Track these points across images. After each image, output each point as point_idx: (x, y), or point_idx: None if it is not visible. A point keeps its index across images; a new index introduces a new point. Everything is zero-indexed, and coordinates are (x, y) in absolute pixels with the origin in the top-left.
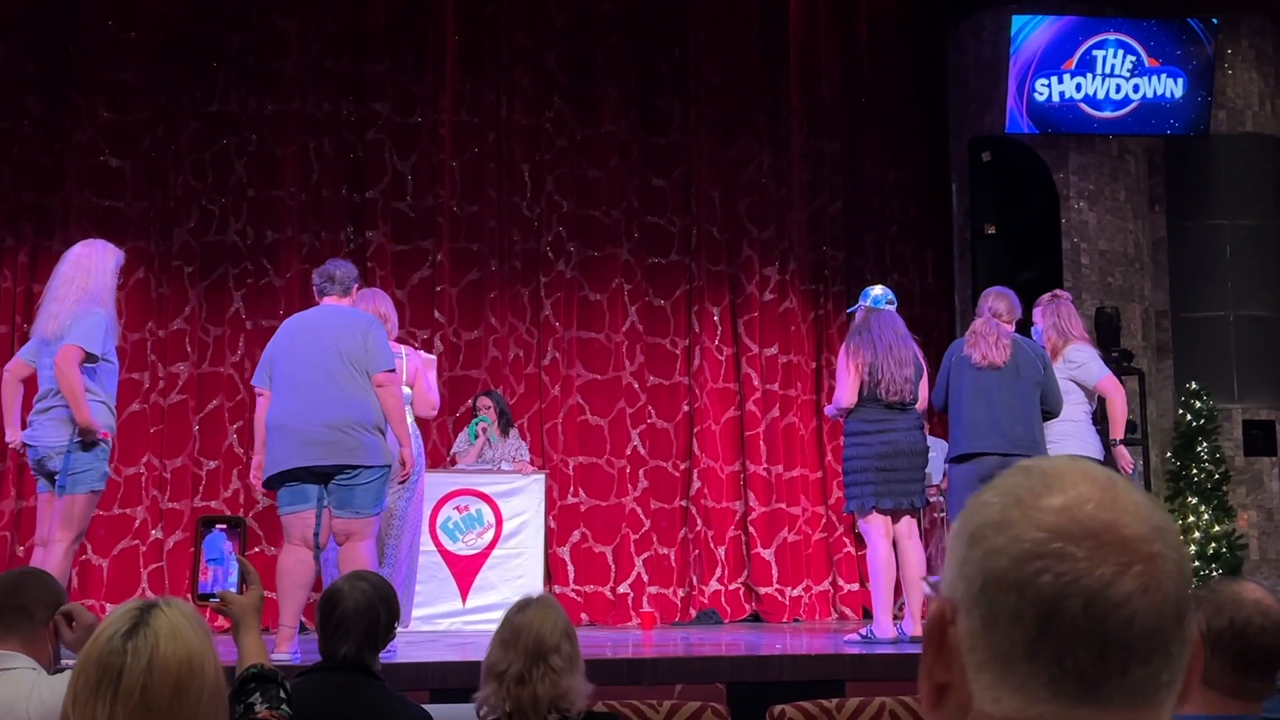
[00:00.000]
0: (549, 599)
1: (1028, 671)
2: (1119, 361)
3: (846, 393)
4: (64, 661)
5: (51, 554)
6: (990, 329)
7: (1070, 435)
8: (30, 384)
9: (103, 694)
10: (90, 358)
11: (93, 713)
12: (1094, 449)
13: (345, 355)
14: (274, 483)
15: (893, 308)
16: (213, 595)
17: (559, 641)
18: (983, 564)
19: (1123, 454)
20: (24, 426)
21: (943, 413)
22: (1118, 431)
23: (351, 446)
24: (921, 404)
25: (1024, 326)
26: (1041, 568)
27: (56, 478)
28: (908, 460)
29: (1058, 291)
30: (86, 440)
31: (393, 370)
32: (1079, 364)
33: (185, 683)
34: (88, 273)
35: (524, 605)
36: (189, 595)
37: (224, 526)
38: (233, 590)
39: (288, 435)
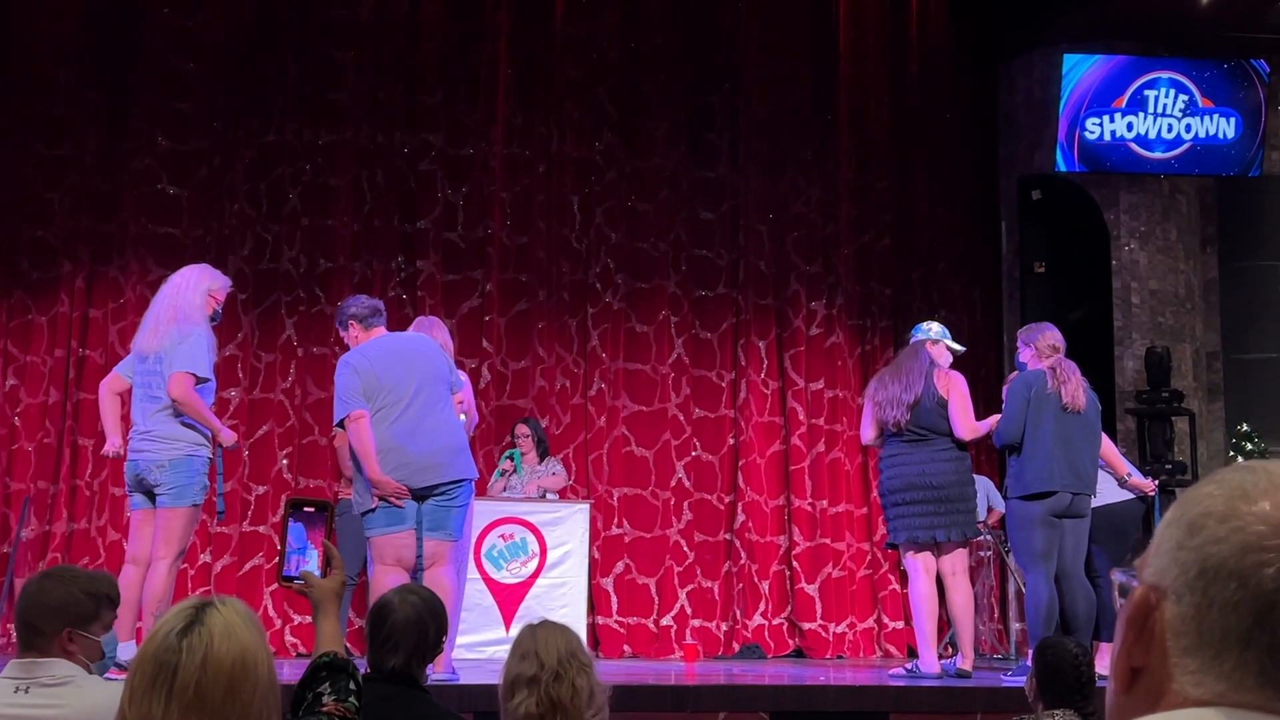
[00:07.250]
0: (551, 621)
1: (1239, 660)
2: (1169, 402)
3: (863, 429)
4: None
5: (155, 574)
6: (1072, 371)
7: (1104, 479)
8: (125, 399)
9: (158, 691)
10: (200, 380)
11: (148, 709)
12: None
13: (443, 380)
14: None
15: (927, 336)
16: (296, 577)
17: (579, 646)
18: (1201, 552)
19: (1139, 480)
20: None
21: (1007, 446)
22: (1123, 468)
23: (459, 466)
24: (962, 432)
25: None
26: (1265, 560)
27: (156, 492)
28: (923, 494)
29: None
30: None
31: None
32: None
33: (239, 680)
34: (179, 292)
35: (534, 626)
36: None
37: (311, 510)
38: (316, 574)
39: (402, 458)
